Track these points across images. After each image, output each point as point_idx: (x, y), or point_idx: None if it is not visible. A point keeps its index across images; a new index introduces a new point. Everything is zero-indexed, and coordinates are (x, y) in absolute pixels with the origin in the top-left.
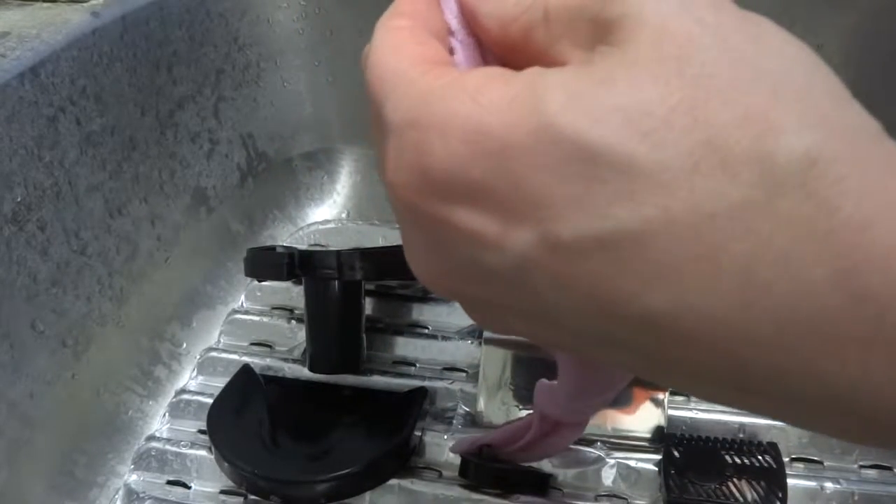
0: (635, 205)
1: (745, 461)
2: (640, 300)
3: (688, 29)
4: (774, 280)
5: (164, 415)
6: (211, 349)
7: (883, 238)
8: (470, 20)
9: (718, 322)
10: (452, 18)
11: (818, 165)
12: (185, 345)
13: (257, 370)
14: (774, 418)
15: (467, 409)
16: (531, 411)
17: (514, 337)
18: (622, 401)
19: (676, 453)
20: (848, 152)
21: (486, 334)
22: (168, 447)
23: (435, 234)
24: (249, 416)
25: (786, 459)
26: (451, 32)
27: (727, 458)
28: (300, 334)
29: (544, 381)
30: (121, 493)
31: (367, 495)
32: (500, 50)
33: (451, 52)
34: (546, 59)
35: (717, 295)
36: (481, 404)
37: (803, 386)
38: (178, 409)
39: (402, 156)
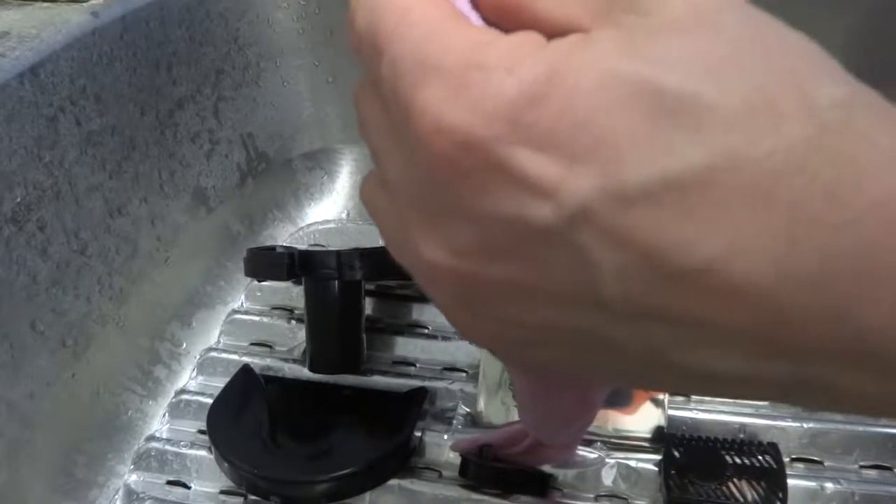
0: (701, 140)
1: (746, 461)
2: (696, 248)
3: (715, 4)
4: (821, 213)
5: (164, 415)
6: (211, 349)
7: None
8: None
9: (767, 263)
10: None
11: (857, 108)
12: (185, 345)
13: (257, 370)
14: (786, 393)
15: (467, 409)
16: None
17: None
18: (622, 401)
19: (676, 453)
20: (876, 102)
21: None
22: (168, 447)
23: (476, 187)
24: (249, 416)
25: (786, 459)
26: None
27: (727, 458)
28: (300, 334)
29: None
30: (121, 493)
31: (367, 495)
32: (498, 17)
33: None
34: (552, 23)
35: (769, 233)
36: (481, 404)
37: (833, 334)
38: (178, 409)
39: (462, 95)
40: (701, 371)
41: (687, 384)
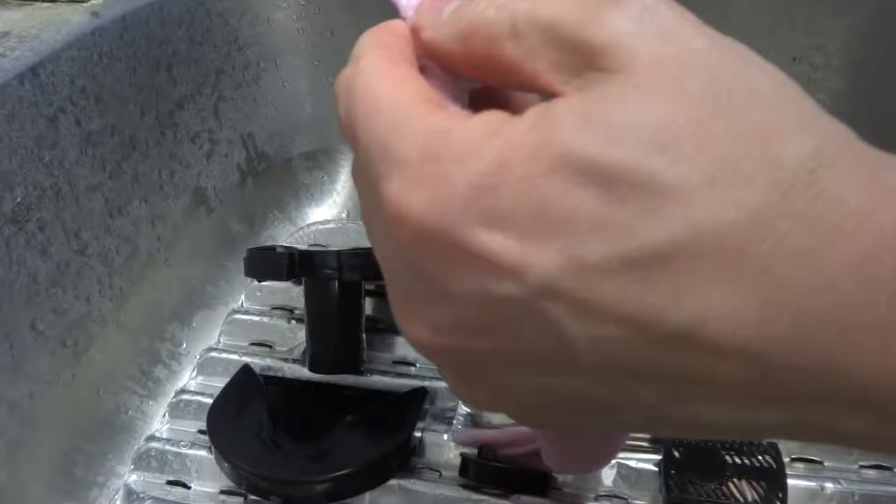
0: (660, 220)
1: (745, 461)
2: (669, 315)
3: (680, 54)
4: (793, 275)
5: (164, 415)
6: (211, 349)
7: (888, 224)
8: (430, 47)
9: (744, 325)
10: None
11: (823, 165)
12: (185, 345)
13: (257, 370)
14: (785, 436)
15: (467, 409)
16: None
17: None
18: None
19: (676, 453)
20: (845, 151)
21: None
22: (168, 447)
23: (444, 270)
24: (249, 416)
25: (786, 459)
26: (421, 69)
27: (727, 458)
28: (300, 334)
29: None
30: (121, 493)
31: (367, 495)
32: (470, 72)
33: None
34: (521, 77)
35: (741, 297)
36: None
37: (820, 384)
38: (178, 410)
39: (417, 187)
40: (698, 422)
41: (690, 432)
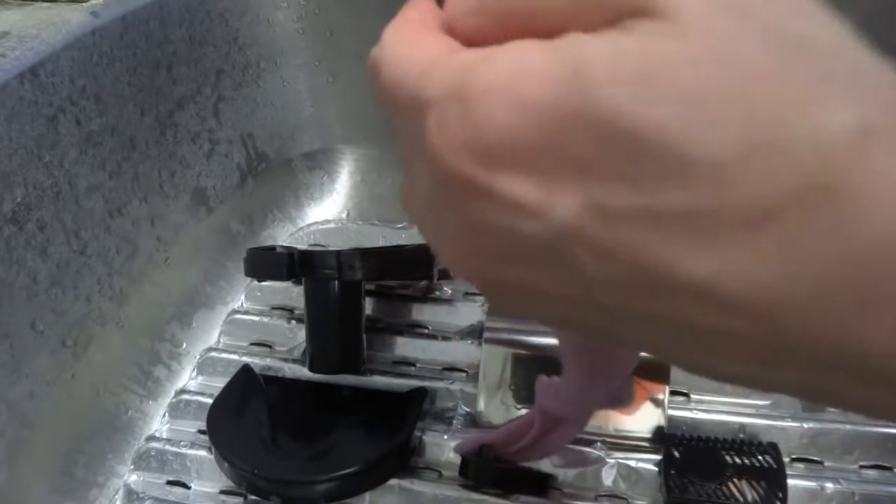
0: (687, 187)
1: (746, 461)
2: (685, 267)
3: (736, 6)
4: (820, 250)
5: (164, 415)
6: (211, 349)
7: None
8: (455, 23)
9: (761, 287)
10: None
11: (870, 137)
12: (184, 345)
13: (257, 370)
14: (795, 394)
15: (467, 409)
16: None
17: (514, 337)
18: (622, 401)
19: (676, 453)
20: (892, 122)
21: (486, 334)
22: (168, 447)
23: (474, 207)
24: (249, 416)
25: (786, 459)
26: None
27: (727, 458)
28: (300, 334)
29: (545, 378)
30: (121, 493)
31: (367, 495)
32: (513, 30)
33: None
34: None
35: (763, 262)
36: (481, 404)
37: (835, 352)
38: (178, 410)
39: (445, 126)
40: (707, 369)
41: (700, 374)
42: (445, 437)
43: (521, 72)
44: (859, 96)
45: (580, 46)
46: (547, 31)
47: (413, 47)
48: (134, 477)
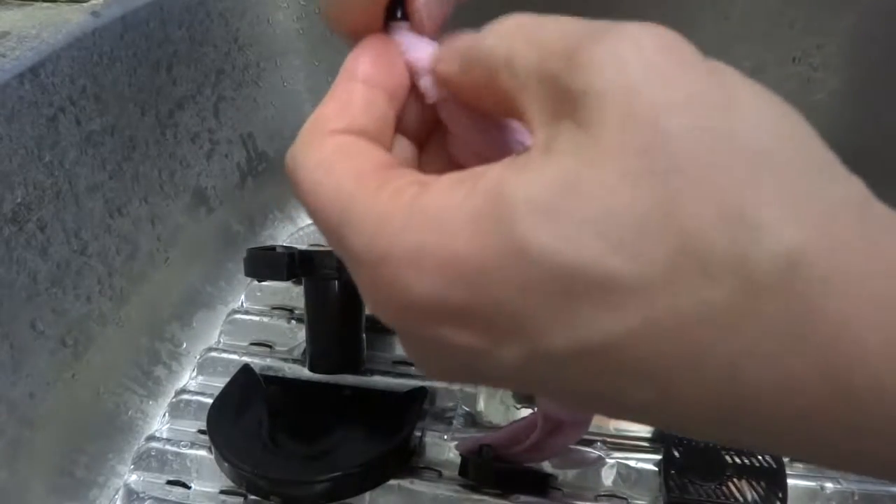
0: (617, 315)
1: (745, 461)
2: (629, 395)
3: (655, 110)
4: (761, 379)
5: (164, 415)
6: (211, 349)
7: (863, 334)
8: (443, 79)
9: (706, 410)
10: (423, 57)
11: (800, 267)
12: (185, 345)
13: (257, 370)
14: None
15: (467, 409)
16: (531, 410)
17: None
18: None
19: (676, 453)
20: (829, 245)
21: None
22: (168, 447)
23: (429, 348)
24: (249, 416)
25: (786, 459)
26: (416, 72)
27: (727, 458)
28: (300, 334)
29: None
30: (121, 493)
31: (367, 495)
32: (476, 102)
33: (424, 94)
34: (509, 107)
35: (704, 390)
36: (481, 404)
37: (797, 452)
38: (178, 409)
39: (378, 290)
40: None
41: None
42: (445, 437)
43: (444, 224)
44: (792, 214)
45: (501, 188)
46: (509, 105)
47: (330, 178)
48: (134, 477)
